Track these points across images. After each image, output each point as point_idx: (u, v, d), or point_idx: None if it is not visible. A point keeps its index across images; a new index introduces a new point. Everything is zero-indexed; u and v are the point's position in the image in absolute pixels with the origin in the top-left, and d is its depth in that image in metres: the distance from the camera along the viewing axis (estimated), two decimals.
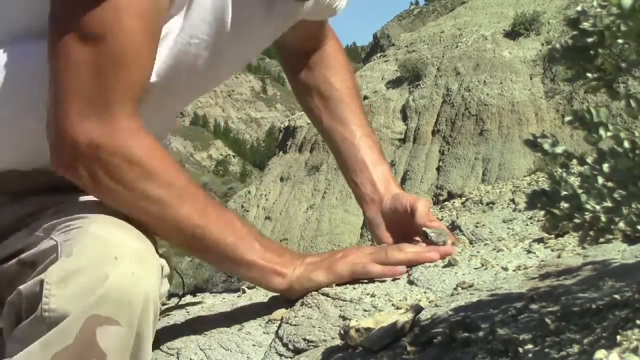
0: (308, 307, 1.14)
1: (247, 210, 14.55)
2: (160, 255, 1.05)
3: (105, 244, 0.97)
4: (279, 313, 1.19)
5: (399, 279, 1.18)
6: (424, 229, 1.31)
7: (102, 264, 0.94)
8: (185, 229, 1.09)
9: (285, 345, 1.10)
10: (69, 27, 1.02)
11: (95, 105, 1.03)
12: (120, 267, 0.94)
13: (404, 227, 1.37)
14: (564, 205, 0.58)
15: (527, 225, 1.53)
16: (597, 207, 0.58)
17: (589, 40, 0.57)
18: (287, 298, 1.21)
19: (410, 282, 1.15)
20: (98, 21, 1.01)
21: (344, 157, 1.47)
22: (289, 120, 16.98)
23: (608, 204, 0.57)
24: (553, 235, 1.17)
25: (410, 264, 1.22)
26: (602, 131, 0.57)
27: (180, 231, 1.09)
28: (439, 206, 5.37)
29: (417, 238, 1.33)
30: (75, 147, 1.03)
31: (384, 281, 1.18)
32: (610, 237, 0.60)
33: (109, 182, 1.04)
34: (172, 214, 1.08)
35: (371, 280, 1.19)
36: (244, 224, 1.17)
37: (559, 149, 0.59)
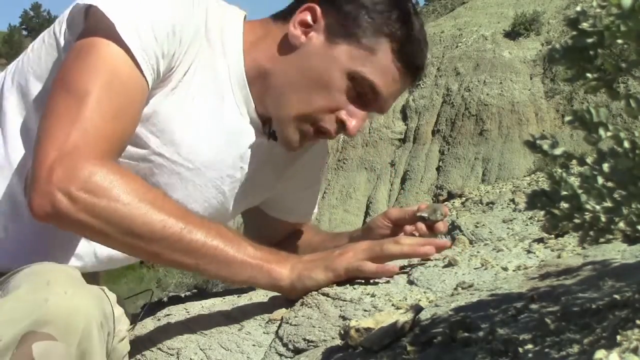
0: (308, 307, 1.14)
1: None
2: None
3: (36, 274, 1.04)
4: (279, 313, 1.18)
5: (399, 278, 1.18)
6: (418, 214, 1.33)
7: (37, 290, 0.98)
8: (172, 226, 1.11)
9: (285, 345, 1.10)
10: (59, 81, 1.17)
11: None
12: (54, 289, 0.98)
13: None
14: (564, 205, 0.58)
15: (527, 225, 1.53)
16: (597, 207, 0.58)
17: (589, 40, 0.57)
18: (288, 297, 1.21)
19: (410, 282, 1.15)
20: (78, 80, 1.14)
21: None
22: None
23: (608, 204, 0.57)
24: (553, 235, 1.17)
25: (406, 257, 1.22)
26: (602, 131, 0.57)
27: (167, 230, 1.11)
28: None
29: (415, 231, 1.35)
30: (51, 174, 1.09)
31: (382, 282, 1.18)
32: (610, 237, 0.60)
33: (89, 198, 1.09)
34: (157, 214, 1.11)
35: (370, 280, 1.19)
36: (230, 229, 1.19)
37: (558, 151, 0.59)
